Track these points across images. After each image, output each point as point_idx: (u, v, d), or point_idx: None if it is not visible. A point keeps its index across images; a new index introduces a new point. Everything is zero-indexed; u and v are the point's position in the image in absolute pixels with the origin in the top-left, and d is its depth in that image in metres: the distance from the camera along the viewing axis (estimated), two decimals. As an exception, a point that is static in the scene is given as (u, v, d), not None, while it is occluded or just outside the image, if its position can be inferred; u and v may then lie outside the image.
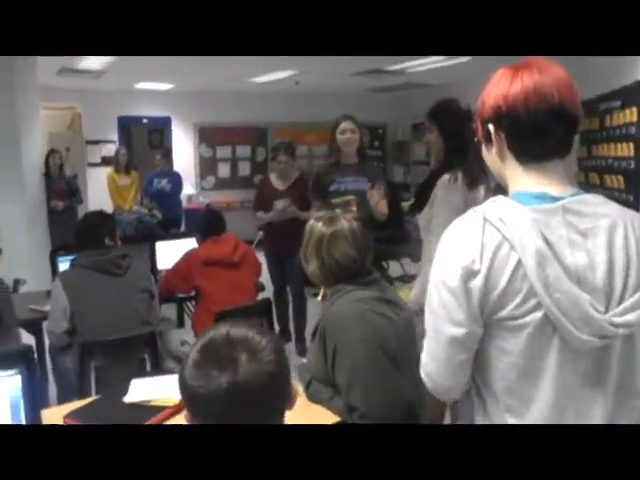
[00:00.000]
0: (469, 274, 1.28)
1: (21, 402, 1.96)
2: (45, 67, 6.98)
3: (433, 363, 1.41)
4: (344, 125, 4.23)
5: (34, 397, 1.95)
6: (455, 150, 2.99)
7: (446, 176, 2.98)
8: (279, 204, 5.14)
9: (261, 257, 4.72)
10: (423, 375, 1.45)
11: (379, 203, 3.98)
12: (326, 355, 2.25)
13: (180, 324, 4.91)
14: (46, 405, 2.54)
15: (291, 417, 1.26)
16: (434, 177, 3.07)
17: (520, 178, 1.37)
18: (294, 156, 5.42)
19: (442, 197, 2.97)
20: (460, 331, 1.32)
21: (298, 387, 2.35)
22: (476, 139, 1.47)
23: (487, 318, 1.31)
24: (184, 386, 1.19)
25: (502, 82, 1.34)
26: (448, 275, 1.32)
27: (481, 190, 2.93)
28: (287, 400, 1.27)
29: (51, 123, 10.04)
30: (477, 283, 1.28)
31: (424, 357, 1.44)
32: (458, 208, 2.85)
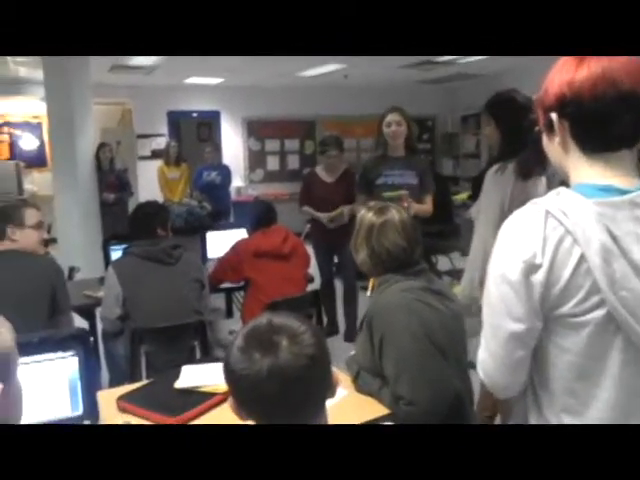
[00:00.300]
0: (531, 268, 1.24)
1: (78, 383, 2.04)
2: (98, 65, 7.14)
3: (491, 360, 1.37)
4: (390, 117, 4.17)
5: (90, 378, 2.02)
6: (512, 142, 2.92)
7: (494, 167, 2.92)
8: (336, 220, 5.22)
9: (309, 249, 4.73)
10: (480, 372, 1.41)
11: (417, 211, 3.96)
12: (373, 345, 2.25)
13: (229, 314, 4.96)
14: (99, 388, 2.59)
15: (341, 410, 1.25)
16: (488, 168, 3.02)
17: (584, 169, 1.30)
18: (343, 149, 5.43)
19: (487, 189, 2.91)
20: (520, 327, 1.28)
21: (339, 374, 2.35)
22: (537, 129, 1.42)
23: (547, 313, 1.26)
24: (229, 370, 1.23)
25: (567, 68, 1.27)
26: (508, 269, 1.27)
27: (541, 181, 2.86)
28: (328, 386, 1.28)
29: (103, 118, 10.23)
30: (539, 277, 1.23)
31: (481, 353, 1.40)
32: (502, 200, 2.80)
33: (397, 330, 2.19)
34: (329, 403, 1.31)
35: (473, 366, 1.65)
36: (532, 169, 2.82)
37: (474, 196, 3.13)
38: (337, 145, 5.33)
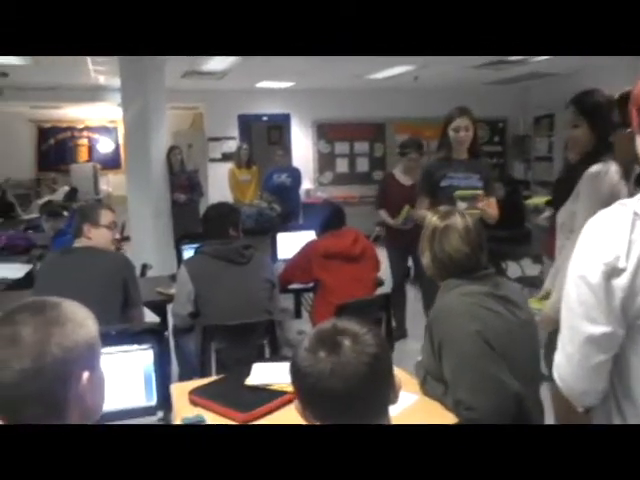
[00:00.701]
0: (612, 271, 1.19)
1: (153, 375, 2.09)
2: (172, 71, 7.31)
3: (567, 364, 1.32)
4: (459, 122, 4.04)
5: (164, 371, 2.08)
6: (603, 143, 2.80)
7: (595, 168, 2.77)
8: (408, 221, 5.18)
9: (379, 252, 4.70)
10: (556, 376, 1.37)
11: (485, 212, 3.82)
12: (434, 349, 2.24)
13: (297, 315, 4.98)
14: (170, 381, 2.65)
15: (411, 415, 1.23)
16: (576, 170, 2.88)
17: None
18: (423, 153, 5.47)
19: (591, 191, 2.75)
20: (598, 330, 1.23)
21: (407, 377, 2.38)
22: (629, 130, 1.35)
23: (631, 322, 1.21)
24: (295, 370, 1.30)
25: None
26: (589, 270, 1.23)
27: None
28: (390, 388, 1.32)
29: (175, 122, 10.51)
30: (621, 282, 1.18)
31: (557, 357, 1.37)
32: (608, 203, 2.67)
33: (455, 334, 2.17)
34: (399, 408, 1.31)
35: (547, 378, 1.60)
36: (629, 171, 2.70)
37: (557, 201, 2.99)
38: (418, 148, 5.42)
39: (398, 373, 1.42)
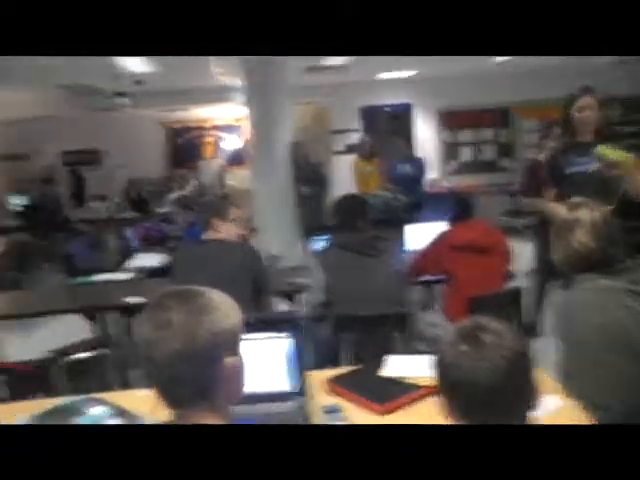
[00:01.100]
0: None
1: (290, 362, 2.18)
2: (294, 67, 7.40)
3: None
4: (583, 101, 3.74)
5: (301, 358, 2.15)
6: None
7: None
8: None
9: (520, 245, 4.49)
10: None
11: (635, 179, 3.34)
12: (563, 345, 2.17)
13: (427, 307, 4.92)
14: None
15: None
16: None
17: None
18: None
19: None
20: None
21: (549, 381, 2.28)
22: None
23: None
24: (439, 362, 1.35)
25: None
26: None
27: None
28: (530, 392, 1.32)
29: (299, 116, 10.66)
30: None
31: None
32: None
33: (579, 328, 2.11)
34: (542, 413, 1.36)
35: None
36: None
37: None
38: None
39: (538, 375, 1.38)
